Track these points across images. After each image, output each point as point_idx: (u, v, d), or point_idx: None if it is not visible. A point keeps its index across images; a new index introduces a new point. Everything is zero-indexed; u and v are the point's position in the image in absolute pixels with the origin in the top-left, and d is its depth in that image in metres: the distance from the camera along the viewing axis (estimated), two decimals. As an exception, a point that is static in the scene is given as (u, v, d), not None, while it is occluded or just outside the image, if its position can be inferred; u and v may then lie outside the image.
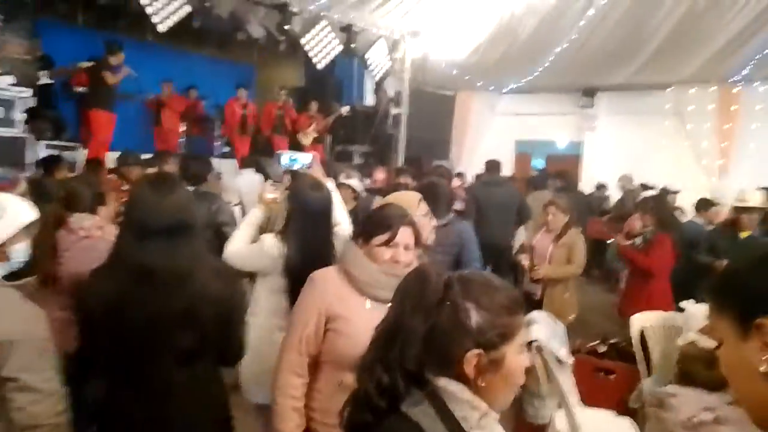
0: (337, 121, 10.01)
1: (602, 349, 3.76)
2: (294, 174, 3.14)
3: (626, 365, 3.57)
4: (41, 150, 6.24)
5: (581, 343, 3.88)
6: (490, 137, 11.48)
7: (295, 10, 7.81)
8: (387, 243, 1.80)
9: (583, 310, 6.16)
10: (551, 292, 4.11)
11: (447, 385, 1.05)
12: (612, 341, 3.79)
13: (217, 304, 1.78)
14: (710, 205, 6.01)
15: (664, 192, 7.82)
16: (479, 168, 7.47)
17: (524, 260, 4.08)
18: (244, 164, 7.21)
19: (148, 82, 8.73)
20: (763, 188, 7.15)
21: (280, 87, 9.95)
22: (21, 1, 6.42)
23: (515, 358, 1.07)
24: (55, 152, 6.25)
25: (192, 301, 1.71)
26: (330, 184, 2.83)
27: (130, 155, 4.83)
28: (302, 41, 8.17)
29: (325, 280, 1.85)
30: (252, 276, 2.63)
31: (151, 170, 4.37)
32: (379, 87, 10.29)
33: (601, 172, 10.02)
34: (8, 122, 5.81)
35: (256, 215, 2.70)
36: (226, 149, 9.61)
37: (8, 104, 5.80)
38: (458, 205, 4.85)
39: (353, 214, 3.24)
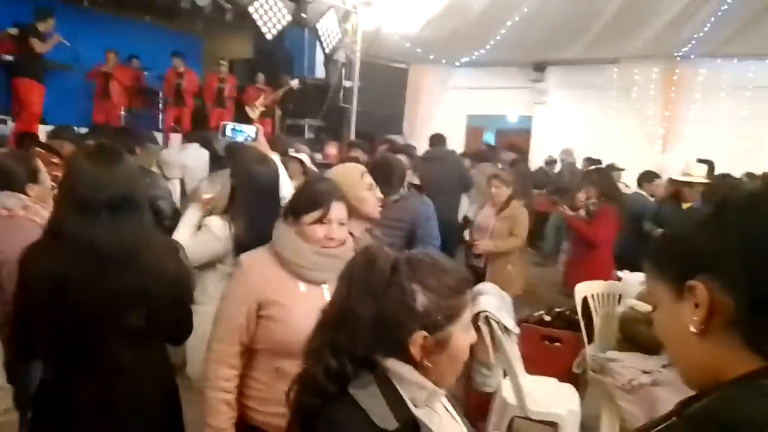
0: (288, 95, 9.80)
1: (548, 318, 3.86)
2: (237, 147, 3.02)
3: (571, 333, 3.68)
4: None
5: (529, 314, 3.97)
6: (442, 111, 11.49)
7: (241, -23, 7.54)
8: (319, 220, 1.72)
9: (533, 282, 6.34)
10: (493, 266, 4.13)
11: (395, 366, 1.05)
12: (558, 310, 3.89)
13: (167, 281, 1.71)
14: (653, 178, 6.20)
15: (610, 169, 8.03)
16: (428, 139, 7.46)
17: (468, 234, 4.09)
18: (188, 138, 6.97)
19: (86, 51, 8.29)
20: (701, 161, 7.45)
21: (220, 58, 9.66)
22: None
23: (461, 337, 1.09)
24: (-17, 125, 5.89)
25: (141, 277, 1.64)
26: (276, 157, 2.74)
27: (63, 130, 4.59)
28: (250, 10, 7.90)
29: (255, 265, 1.75)
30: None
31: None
32: (329, 59, 10.08)
33: (551, 146, 10.21)
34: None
35: (193, 215, 2.52)
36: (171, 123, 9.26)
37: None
38: (416, 180, 4.81)
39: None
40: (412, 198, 3.35)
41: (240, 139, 2.87)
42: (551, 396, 3.09)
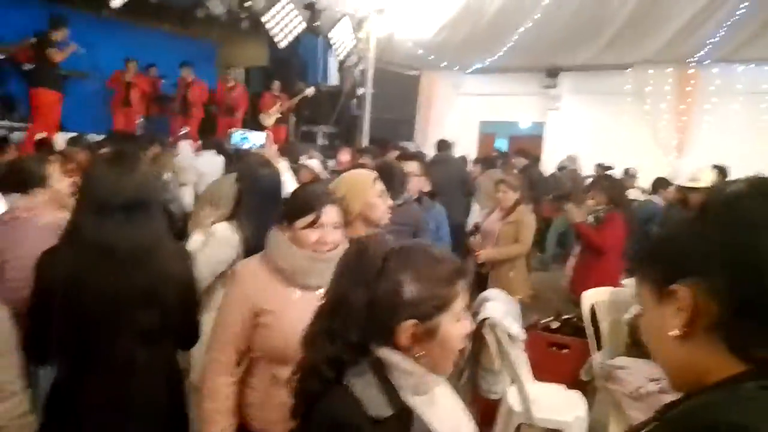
0: (302, 102, 9.90)
1: (555, 325, 3.85)
2: (243, 153, 3.08)
3: (579, 340, 3.66)
4: (-12, 130, 6.02)
5: (536, 320, 3.97)
6: (454, 118, 11.52)
7: (256, -14, 7.64)
8: (312, 224, 1.70)
9: (538, 287, 6.31)
10: (496, 272, 4.08)
11: (387, 355, 1.07)
12: (566, 317, 3.88)
13: (178, 283, 1.77)
14: (667, 185, 6.16)
15: (629, 176, 7.97)
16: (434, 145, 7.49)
17: (473, 241, 4.06)
18: (204, 145, 7.08)
19: (105, 59, 8.45)
20: (717, 167, 7.38)
21: (229, 67, 9.76)
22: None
23: (451, 326, 1.10)
24: (2, 132, 6.03)
25: (154, 279, 1.69)
26: (283, 163, 2.79)
27: (79, 139, 4.73)
28: (264, 19, 8.02)
29: (249, 273, 1.75)
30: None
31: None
32: (343, 66, 10.17)
33: (564, 152, 10.17)
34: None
35: (197, 241, 2.52)
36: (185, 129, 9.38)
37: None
38: (427, 187, 4.83)
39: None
40: (418, 203, 3.36)
41: (247, 146, 2.92)
42: (558, 403, 3.09)
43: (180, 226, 3.39)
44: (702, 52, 8.90)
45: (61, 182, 2.37)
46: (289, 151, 6.25)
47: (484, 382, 3.14)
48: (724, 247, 0.69)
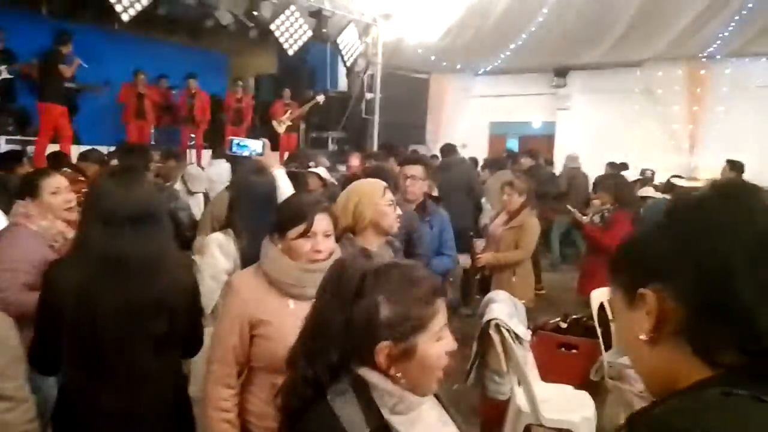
0: (313, 109, 9.98)
1: (564, 325, 3.84)
2: (238, 160, 3.10)
3: (588, 340, 3.65)
4: (2, 145, 6.14)
5: (545, 321, 3.95)
6: (464, 120, 11.54)
7: (263, -5, 7.74)
8: (304, 234, 1.70)
9: (550, 289, 6.28)
10: (498, 277, 4.01)
11: (366, 374, 1.08)
12: (574, 317, 3.86)
13: (184, 292, 1.81)
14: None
15: (647, 178, 7.90)
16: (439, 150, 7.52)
17: (476, 244, 3.96)
18: (215, 154, 7.16)
19: (116, 72, 8.59)
20: (731, 161, 7.29)
21: (238, 78, 9.86)
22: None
23: (429, 346, 1.10)
24: (17, 147, 6.16)
25: (162, 288, 1.73)
26: (279, 170, 2.79)
27: (91, 152, 4.83)
28: (272, 27, 8.11)
29: (244, 285, 1.76)
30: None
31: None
32: (351, 72, 10.24)
33: (575, 151, 10.12)
34: (-30, 118, 5.69)
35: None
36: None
37: (-32, 99, 5.69)
38: (434, 190, 4.82)
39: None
40: (422, 207, 3.31)
41: (246, 153, 2.94)
42: (566, 403, 3.08)
43: (189, 236, 3.44)
44: (713, 48, 8.82)
45: (55, 196, 2.43)
46: (297, 158, 6.33)
47: (491, 383, 3.14)
48: (687, 251, 0.69)
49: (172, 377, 1.86)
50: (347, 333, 1.08)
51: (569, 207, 4.34)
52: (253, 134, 8.86)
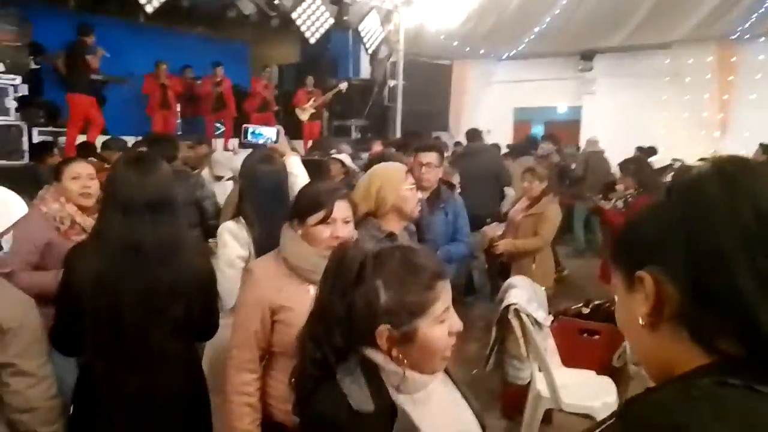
0: (336, 97, 9.99)
1: (586, 311, 3.80)
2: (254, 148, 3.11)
3: (610, 326, 3.61)
4: (34, 136, 6.31)
5: (566, 307, 3.93)
6: (488, 106, 11.42)
7: (284, -16, 7.75)
8: (324, 221, 1.72)
9: (574, 275, 6.22)
10: (518, 264, 3.96)
11: (371, 354, 1.10)
12: (596, 302, 3.82)
13: (200, 277, 1.85)
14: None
15: (685, 167, 7.71)
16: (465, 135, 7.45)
17: (490, 230, 3.90)
18: (242, 144, 7.23)
19: (141, 64, 8.72)
20: (762, 144, 7.09)
21: (265, 65, 9.89)
22: (10, -13, 6.42)
23: (431, 329, 1.10)
24: (48, 138, 6.32)
25: (179, 274, 1.77)
26: (294, 157, 2.80)
27: (114, 141, 4.92)
28: (293, 16, 8.12)
29: (264, 272, 1.78)
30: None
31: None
32: (373, 59, 10.21)
33: (601, 136, 9.95)
34: (2, 110, 5.86)
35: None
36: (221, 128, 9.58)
37: (1, 92, 5.85)
38: (455, 177, 4.79)
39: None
40: (437, 193, 3.26)
41: (261, 141, 2.94)
42: (587, 388, 3.06)
43: (213, 224, 3.49)
44: (743, 27, 8.54)
45: (75, 181, 2.52)
46: (322, 145, 6.37)
47: (511, 368, 3.15)
48: (683, 230, 0.66)
49: (188, 360, 1.90)
50: (349, 317, 1.09)
51: (588, 194, 4.27)
52: (278, 122, 8.92)
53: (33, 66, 7.20)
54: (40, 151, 5.12)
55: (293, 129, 9.09)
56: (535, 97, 11.36)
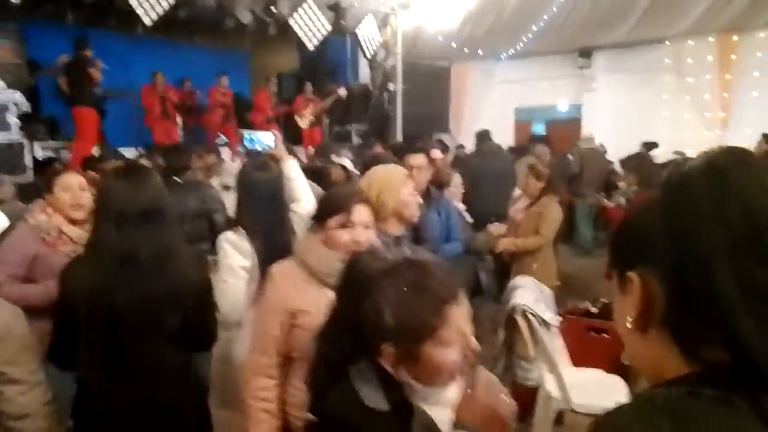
0: (335, 103, 9.98)
1: (594, 309, 3.77)
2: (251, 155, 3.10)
3: (619, 324, 3.58)
4: (37, 151, 6.32)
5: (573, 306, 3.90)
6: (488, 107, 11.39)
7: (280, -9, 7.77)
8: (343, 225, 1.70)
9: (581, 273, 6.17)
10: (519, 264, 3.93)
11: (381, 362, 1.09)
12: (604, 301, 3.79)
13: (195, 286, 1.84)
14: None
15: (680, 158, 7.68)
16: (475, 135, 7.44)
17: (494, 229, 3.84)
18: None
19: (140, 76, 8.74)
20: (765, 134, 7.04)
21: (266, 77, 9.92)
22: (7, 3, 6.44)
23: (436, 353, 1.06)
24: (50, 153, 6.34)
25: (174, 283, 1.76)
26: (291, 162, 2.78)
27: (107, 152, 4.94)
28: (290, 22, 8.14)
29: (284, 276, 1.76)
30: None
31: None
32: (372, 63, 10.22)
33: (602, 133, 9.92)
34: (4, 126, 5.88)
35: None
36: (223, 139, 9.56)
37: (2, 109, 5.87)
38: (456, 181, 4.78)
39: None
40: (426, 195, 3.25)
41: (258, 147, 2.93)
42: (597, 388, 3.03)
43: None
44: (743, 19, 8.50)
45: (65, 193, 2.52)
46: (323, 151, 6.35)
47: (520, 369, 3.12)
48: (668, 231, 0.62)
49: (185, 370, 1.90)
50: (357, 328, 1.09)
51: (586, 192, 4.23)
52: (286, 130, 8.92)
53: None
54: (43, 166, 5.13)
55: (294, 135, 9.09)
56: (535, 97, 11.32)
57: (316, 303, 1.65)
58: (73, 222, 2.49)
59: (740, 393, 0.56)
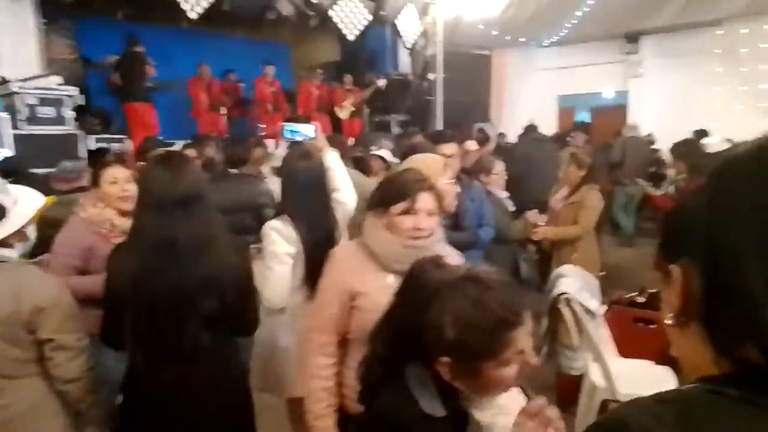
0: (375, 93, 9.98)
1: (641, 299, 3.70)
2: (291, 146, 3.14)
3: (667, 314, 3.50)
4: (91, 144, 6.56)
5: (620, 296, 3.82)
6: (530, 94, 11.22)
7: (321, -17, 7.82)
8: (407, 211, 1.71)
9: (627, 264, 6.04)
10: (558, 254, 3.86)
11: (437, 367, 1.10)
12: (651, 291, 3.71)
13: (235, 273, 1.89)
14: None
15: (734, 145, 7.39)
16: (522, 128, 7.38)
17: (531, 216, 3.74)
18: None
19: (185, 68, 8.93)
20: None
21: (310, 66, 9.95)
22: (61, 1, 6.68)
23: (494, 371, 1.07)
24: (104, 145, 6.57)
25: (212, 268, 1.82)
26: (332, 153, 2.81)
27: (152, 142, 5.05)
28: (331, 13, 8.18)
29: (345, 257, 1.81)
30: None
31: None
32: (412, 53, 10.17)
33: (649, 121, 9.63)
34: (60, 120, 6.11)
35: None
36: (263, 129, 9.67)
37: (58, 103, 6.10)
38: (498, 168, 4.79)
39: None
40: (458, 183, 3.22)
41: (299, 138, 2.96)
42: (644, 379, 2.98)
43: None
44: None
45: (113, 185, 2.59)
46: (362, 142, 6.39)
47: (564, 358, 3.10)
48: (707, 223, 0.59)
49: (224, 354, 1.95)
50: (416, 334, 1.09)
51: (640, 180, 4.10)
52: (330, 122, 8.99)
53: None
54: (97, 156, 5.33)
55: (334, 126, 9.15)
56: (579, 84, 11.07)
57: (375, 285, 1.71)
58: (124, 214, 2.55)
59: (765, 393, 0.54)
